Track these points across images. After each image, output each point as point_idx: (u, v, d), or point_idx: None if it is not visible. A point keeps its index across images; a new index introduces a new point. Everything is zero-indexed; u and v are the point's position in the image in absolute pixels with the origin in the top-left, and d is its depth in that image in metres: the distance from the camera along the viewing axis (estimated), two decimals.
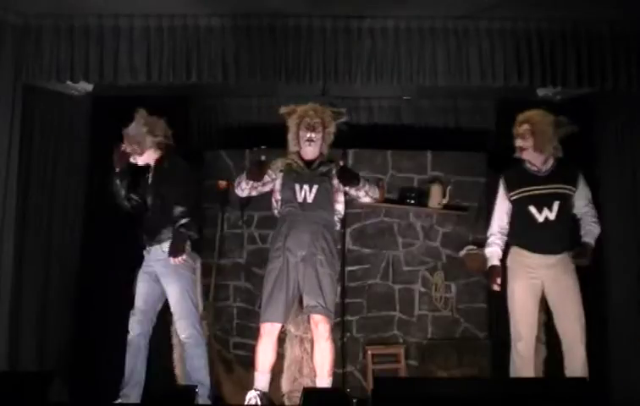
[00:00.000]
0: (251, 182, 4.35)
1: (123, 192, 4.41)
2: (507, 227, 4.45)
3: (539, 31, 4.52)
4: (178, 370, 4.68)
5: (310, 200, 4.29)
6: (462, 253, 6.05)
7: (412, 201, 6.13)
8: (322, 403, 3.49)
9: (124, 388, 4.29)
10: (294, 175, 4.34)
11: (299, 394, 4.30)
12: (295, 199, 4.29)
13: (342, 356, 5.86)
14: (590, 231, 4.34)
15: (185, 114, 6.20)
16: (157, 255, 4.34)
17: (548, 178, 4.34)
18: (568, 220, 4.35)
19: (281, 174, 4.37)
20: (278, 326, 4.29)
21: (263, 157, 4.33)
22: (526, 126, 4.32)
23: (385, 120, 6.31)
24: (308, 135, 4.34)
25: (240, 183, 4.41)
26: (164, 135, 4.40)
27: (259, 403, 4.19)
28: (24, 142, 4.71)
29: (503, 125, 5.98)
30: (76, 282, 5.22)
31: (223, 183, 5.78)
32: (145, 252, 4.42)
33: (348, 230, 6.09)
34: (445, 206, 6.10)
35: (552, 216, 4.28)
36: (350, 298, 6.06)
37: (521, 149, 4.34)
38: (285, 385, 4.52)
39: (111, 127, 4.57)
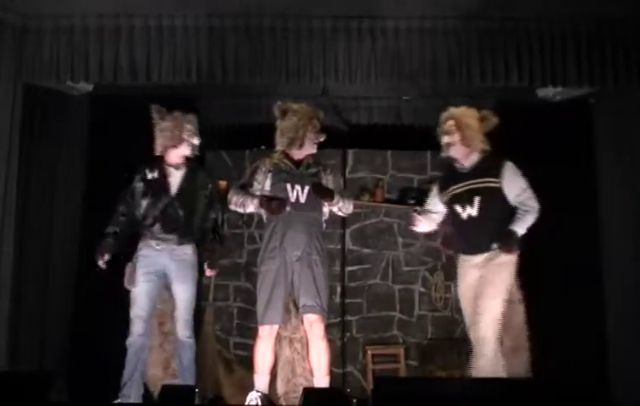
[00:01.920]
0: (259, 209, 4.29)
1: None
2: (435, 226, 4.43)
3: (539, 31, 4.52)
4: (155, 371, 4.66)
5: (302, 200, 4.25)
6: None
7: (412, 201, 6.13)
8: (322, 403, 3.48)
9: (124, 388, 4.28)
10: (284, 175, 4.29)
11: (294, 395, 4.32)
12: (288, 199, 4.25)
13: (342, 356, 5.87)
14: (517, 219, 4.07)
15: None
16: (174, 255, 4.32)
17: (469, 174, 4.22)
18: (496, 214, 4.11)
19: (270, 174, 4.31)
20: (276, 328, 4.28)
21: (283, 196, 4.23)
22: (450, 122, 4.25)
23: (385, 120, 6.30)
24: (321, 138, 4.34)
25: (243, 202, 4.29)
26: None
27: (260, 403, 4.18)
28: (24, 142, 4.70)
29: (502, 125, 6.00)
30: (76, 282, 5.21)
31: (223, 183, 5.76)
32: (151, 250, 4.35)
33: (348, 230, 6.10)
34: None
35: (474, 212, 4.14)
36: (350, 298, 6.06)
37: (448, 145, 4.26)
38: (280, 386, 4.52)
39: (111, 127, 4.57)
